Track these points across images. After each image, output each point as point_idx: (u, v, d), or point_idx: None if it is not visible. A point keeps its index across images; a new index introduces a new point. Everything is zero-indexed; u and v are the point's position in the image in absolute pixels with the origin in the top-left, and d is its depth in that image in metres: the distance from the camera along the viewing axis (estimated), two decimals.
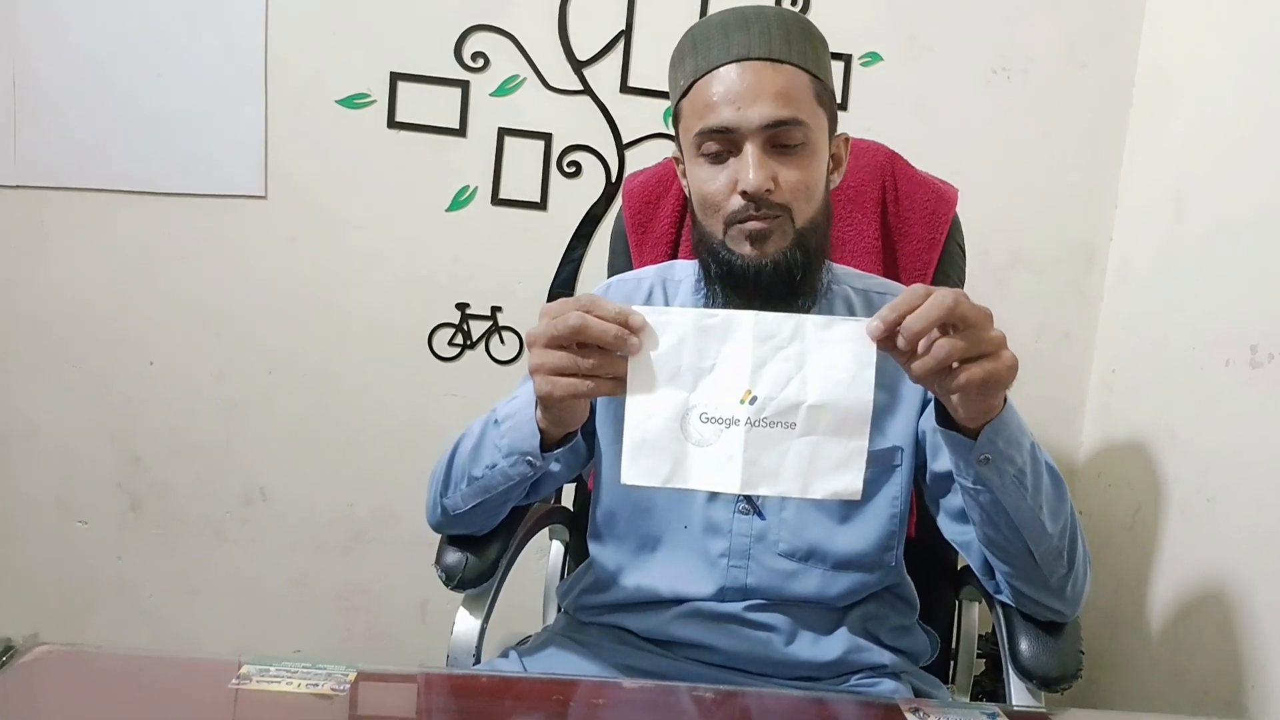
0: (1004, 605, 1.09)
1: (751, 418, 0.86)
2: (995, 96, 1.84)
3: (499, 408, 1.06)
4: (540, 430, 0.99)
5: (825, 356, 0.86)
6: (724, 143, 1.04)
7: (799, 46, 1.05)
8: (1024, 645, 1.04)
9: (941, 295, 0.82)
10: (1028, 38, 1.83)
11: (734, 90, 1.03)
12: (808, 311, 1.11)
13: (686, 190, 1.14)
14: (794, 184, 1.04)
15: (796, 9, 1.79)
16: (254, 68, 1.81)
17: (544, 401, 0.94)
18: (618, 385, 0.89)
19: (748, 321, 0.87)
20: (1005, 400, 0.91)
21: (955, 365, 0.83)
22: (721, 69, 1.04)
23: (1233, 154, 1.50)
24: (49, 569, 1.96)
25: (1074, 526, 1.01)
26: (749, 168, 1.02)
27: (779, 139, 1.03)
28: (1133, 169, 1.82)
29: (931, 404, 1.10)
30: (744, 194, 1.03)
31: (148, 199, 1.85)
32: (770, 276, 1.04)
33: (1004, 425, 0.90)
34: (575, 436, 1.03)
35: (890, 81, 1.83)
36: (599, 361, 0.88)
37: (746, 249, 1.05)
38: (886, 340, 0.85)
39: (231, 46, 1.81)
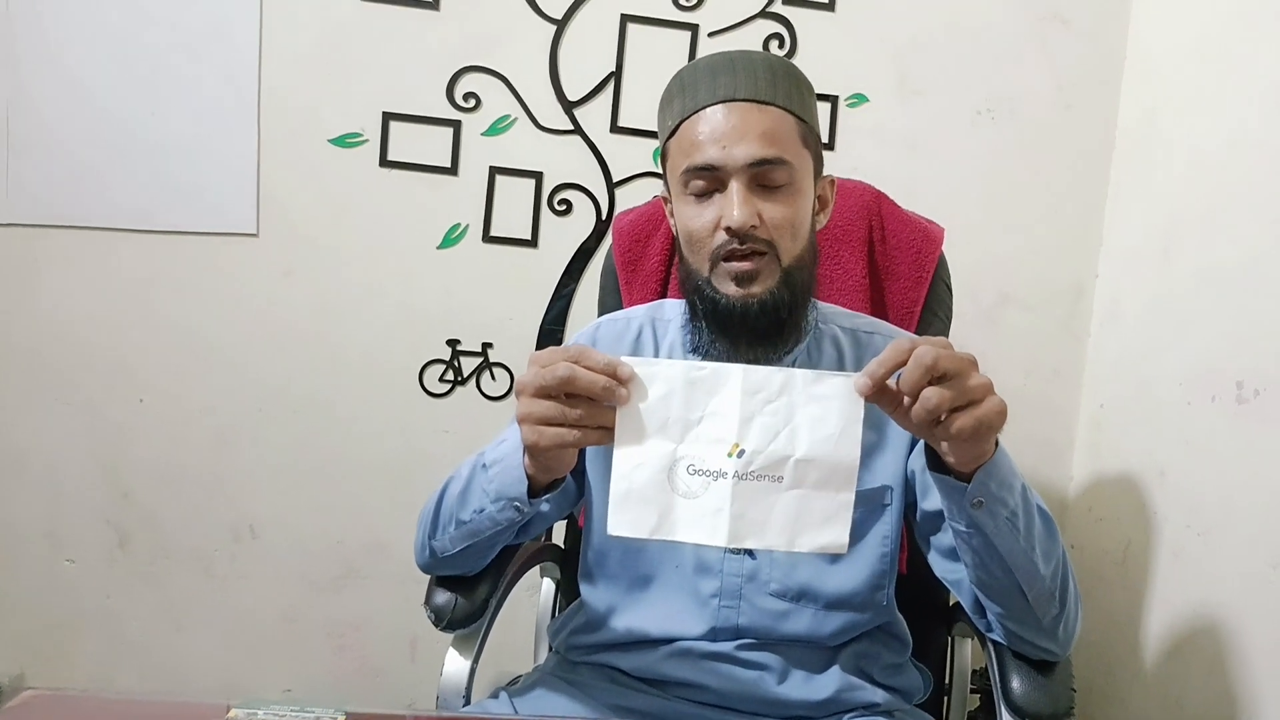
0: (995, 643, 1.08)
1: (739, 471, 0.86)
2: (982, 138, 1.87)
3: (487, 452, 1.06)
4: (528, 476, 0.99)
5: (813, 411, 0.86)
6: (710, 180, 1.05)
7: (784, 89, 1.07)
8: (1016, 683, 1.04)
9: (920, 354, 0.83)
10: (1014, 80, 1.85)
11: (719, 130, 1.04)
12: (794, 349, 1.12)
13: (674, 229, 1.15)
14: (779, 221, 1.05)
15: (784, 52, 1.82)
16: (248, 106, 1.83)
17: (530, 450, 0.95)
18: (604, 435, 0.89)
19: (736, 375, 0.87)
20: (996, 444, 0.91)
21: (944, 416, 0.84)
22: (708, 109, 1.05)
23: (1218, 194, 1.51)
24: (36, 605, 1.94)
25: (1065, 567, 1.01)
26: (733, 205, 1.03)
27: (763, 178, 1.04)
28: (1118, 208, 1.84)
29: (921, 444, 1.11)
30: (728, 230, 1.04)
31: (140, 235, 1.86)
32: (757, 316, 1.05)
33: (996, 469, 0.90)
34: (564, 481, 1.03)
35: (878, 122, 1.85)
36: (586, 412, 0.88)
37: (732, 289, 1.06)
38: (875, 393, 0.86)
39: (226, 85, 1.82)
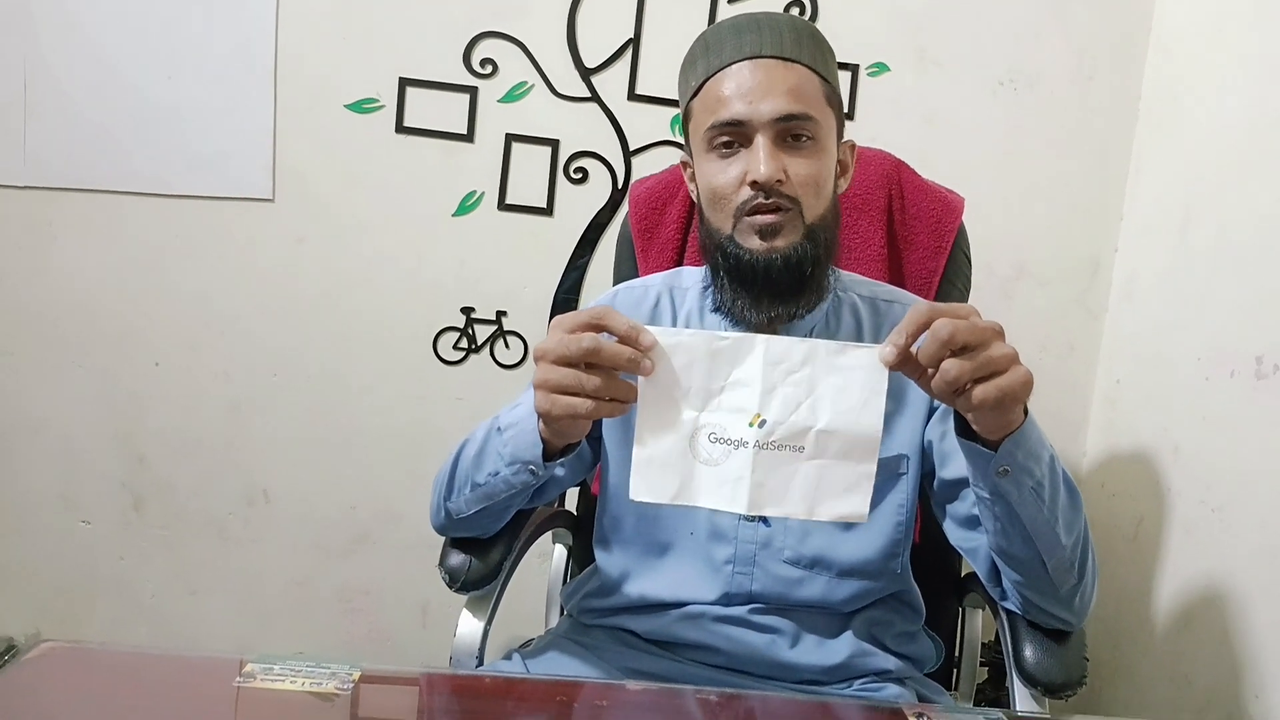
0: (1009, 612, 1.08)
1: (760, 440, 0.87)
2: (1002, 109, 1.85)
3: (502, 414, 1.06)
4: (543, 440, 0.99)
5: (836, 382, 0.86)
6: (736, 136, 1.05)
7: (808, 48, 1.06)
8: (1029, 652, 1.04)
9: (938, 327, 0.82)
10: (1035, 51, 1.83)
11: (746, 85, 1.04)
12: (815, 309, 1.11)
13: (694, 194, 1.14)
14: (804, 177, 1.04)
15: (805, 19, 1.80)
16: (264, 71, 1.82)
17: (544, 417, 0.95)
18: (617, 408, 0.89)
19: (759, 346, 0.87)
20: (1026, 412, 0.90)
21: (968, 385, 0.84)
22: (733, 66, 1.05)
23: (1239, 168, 1.50)
24: (51, 567, 1.97)
25: (1086, 538, 1.01)
26: (760, 159, 1.03)
27: (789, 133, 1.04)
28: (1139, 182, 1.82)
29: (939, 412, 1.11)
30: (754, 184, 1.03)
31: (156, 200, 1.86)
32: (780, 271, 1.05)
33: (1024, 438, 0.90)
34: (579, 446, 1.04)
35: (898, 92, 1.84)
36: (605, 383, 0.88)
37: (755, 243, 1.05)
38: (899, 361, 0.85)
39: (242, 50, 1.82)
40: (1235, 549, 1.41)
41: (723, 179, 1.06)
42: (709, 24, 1.76)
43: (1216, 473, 1.46)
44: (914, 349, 0.85)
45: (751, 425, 0.87)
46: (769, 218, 1.04)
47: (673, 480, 0.88)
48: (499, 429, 1.05)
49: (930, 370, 0.84)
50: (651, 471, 0.89)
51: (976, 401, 0.84)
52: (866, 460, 0.87)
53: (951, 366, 0.82)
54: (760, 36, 1.05)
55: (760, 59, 1.04)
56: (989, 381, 0.83)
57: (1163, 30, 1.79)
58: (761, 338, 0.87)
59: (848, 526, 1.12)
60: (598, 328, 0.88)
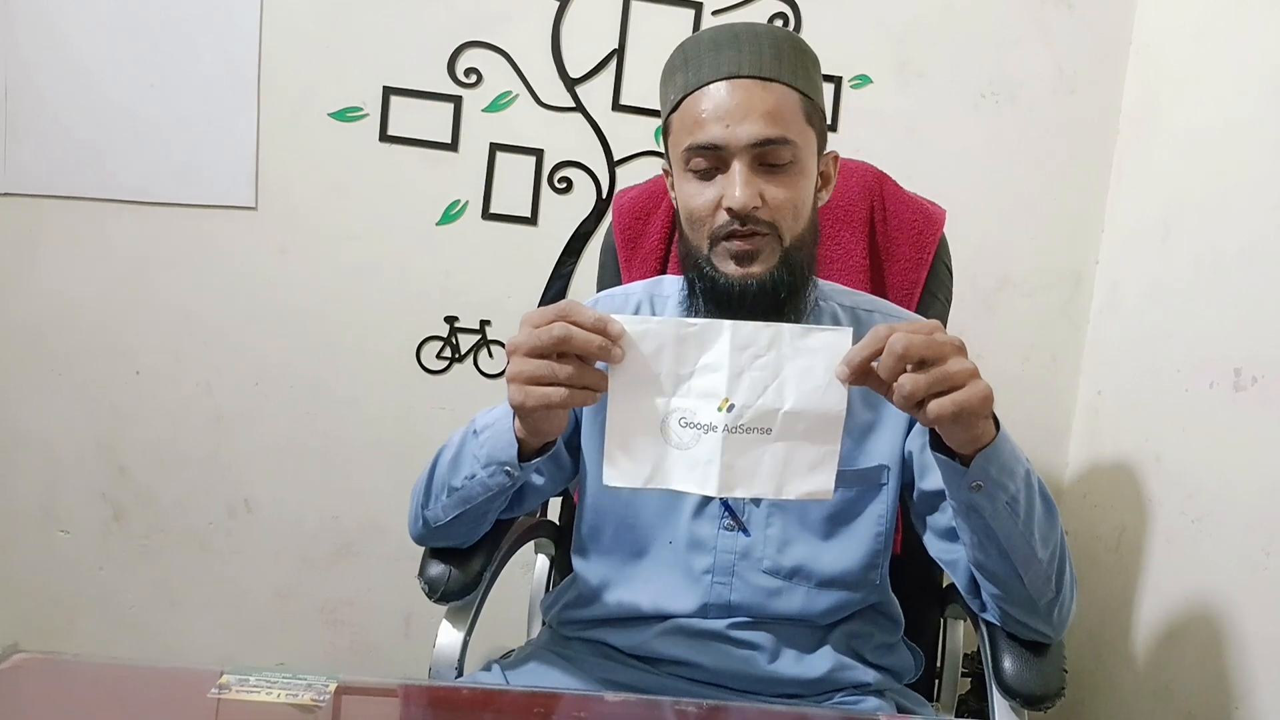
0: (988, 624, 1.09)
1: (729, 424, 0.88)
2: (984, 121, 1.86)
3: (478, 418, 1.06)
4: (519, 440, 0.99)
5: (800, 364, 0.88)
6: (712, 159, 1.04)
7: (789, 64, 1.05)
8: (1007, 664, 1.04)
9: (893, 342, 0.84)
10: (1017, 63, 1.84)
11: (723, 108, 1.02)
12: None
13: (675, 203, 1.14)
14: (781, 202, 1.03)
15: (788, 30, 1.81)
16: (247, 80, 1.82)
17: (518, 411, 0.95)
18: (589, 396, 0.90)
19: (725, 331, 0.88)
20: (998, 427, 0.91)
21: (925, 399, 0.85)
22: (711, 85, 1.04)
23: (1219, 180, 1.51)
24: (31, 578, 1.95)
25: (1063, 551, 1.01)
26: (735, 185, 1.02)
27: (767, 158, 1.03)
28: (1120, 194, 1.84)
29: (919, 424, 1.11)
30: (730, 211, 1.03)
31: (139, 208, 1.85)
32: (755, 296, 1.04)
33: (996, 453, 0.90)
34: (554, 447, 1.03)
35: (880, 104, 1.85)
36: (577, 371, 0.89)
37: (731, 268, 1.05)
38: (860, 376, 0.87)
39: (225, 58, 1.81)
40: (1216, 559, 1.41)
41: (699, 201, 1.05)
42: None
43: (1197, 483, 1.47)
44: (875, 364, 0.86)
45: (720, 409, 0.88)
46: (744, 244, 1.03)
47: (645, 465, 0.90)
48: (475, 432, 1.05)
49: (888, 384, 0.85)
50: (624, 457, 0.90)
51: (933, 416, 0.85)
52: (830, 440, 0.89)
53: (906, 381, 0.84)
54: (739, 54, 1.03)
55: (738, 79, 1.02)
56: (945, 396, 0.84)
57: (1142, 42, 1.81)
58: (728, 323, 0.89)
59: (827, 536, 1.12)
60: (565, 321, 0.89)
